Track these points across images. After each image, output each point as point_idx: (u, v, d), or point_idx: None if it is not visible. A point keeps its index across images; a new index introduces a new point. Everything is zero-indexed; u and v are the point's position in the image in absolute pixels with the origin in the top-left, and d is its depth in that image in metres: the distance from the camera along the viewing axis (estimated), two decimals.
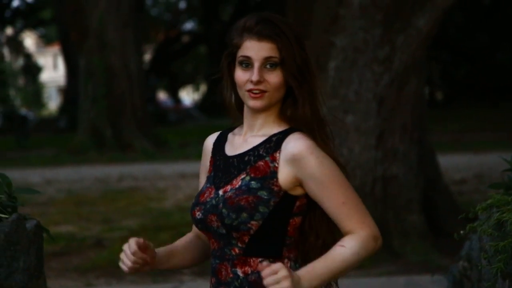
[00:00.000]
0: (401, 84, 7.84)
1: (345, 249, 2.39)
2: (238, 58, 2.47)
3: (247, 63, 2.46)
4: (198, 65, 45.22)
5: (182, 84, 48.78)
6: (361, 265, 7.74)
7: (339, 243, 2.41)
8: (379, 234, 2.44)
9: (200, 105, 42.33)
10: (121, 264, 2.47)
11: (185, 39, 40.74)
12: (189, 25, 43.07)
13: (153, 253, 2.50)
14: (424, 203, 8.09)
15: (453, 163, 13.67)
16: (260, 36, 2.44)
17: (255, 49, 2.44)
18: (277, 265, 2.25)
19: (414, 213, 7.84)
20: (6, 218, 3.57)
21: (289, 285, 2.24)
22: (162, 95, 50.56)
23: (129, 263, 2.45)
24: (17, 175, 11.88)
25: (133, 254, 2.44)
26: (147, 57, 37.27)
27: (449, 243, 7.29)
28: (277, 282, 2.24)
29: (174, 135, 23.93)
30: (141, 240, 2.45)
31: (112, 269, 7.73)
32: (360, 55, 7.79)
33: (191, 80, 48.44)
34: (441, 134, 18.41)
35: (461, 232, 3.41)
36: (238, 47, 2.47)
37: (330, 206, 2.42)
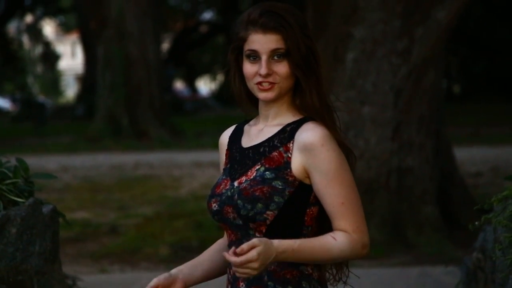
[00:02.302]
0: (419, 76, 7.82)
1: (335, 242, 2.38)
2: (245, 52, 2.48)
3: (254, 56, 2.46)
4: (215, 55, 45.16)
5: (200, 74, 48.79)
6: (374, 255, 7.69)
7: (332, 234, 2.40)
8: (369, 243, 2.42)
9: (216, 95, 42.32)
10: None
11: (203, 29, 40.66)
12: (207, 15, 43.02)
13: (179, 282, 2.57)
14: (439, 196, 8.07)
15: (469, 156, 13.62)
16: (265, 28, 2.44)
17: (261, 42, 2.44)
18: (250, 254, 2.27)
19: (429, 205, 7.84)
20: (23, 202, 3.59)
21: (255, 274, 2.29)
22: (179, 85, 50.57)
23: None
24: (34, 162, 11.90)
25: None
26: (165, 46, 37.26)
27: (463, 235, 7.29)
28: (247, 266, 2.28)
29: (190, 124, 23.94)
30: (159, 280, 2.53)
31: (126, 256, 7.76)
32: (378, 47, 7.78)
33: (209, 70, 48.42)
34: (457, 127, 18.33)
35: (476, 223, 3.41)
36: (244, 40, 2.48)
37: (328, 203, 2.41)
